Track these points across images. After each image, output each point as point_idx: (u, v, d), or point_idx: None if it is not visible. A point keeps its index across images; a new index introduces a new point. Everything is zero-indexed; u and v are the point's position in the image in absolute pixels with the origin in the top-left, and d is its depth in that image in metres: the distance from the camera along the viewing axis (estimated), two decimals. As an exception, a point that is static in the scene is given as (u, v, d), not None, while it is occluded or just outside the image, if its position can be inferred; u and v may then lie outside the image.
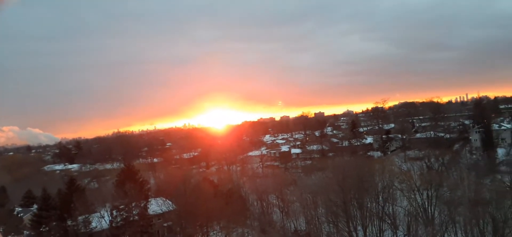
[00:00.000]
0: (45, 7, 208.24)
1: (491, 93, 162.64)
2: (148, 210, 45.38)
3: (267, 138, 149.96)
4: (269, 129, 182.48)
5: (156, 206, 48.64)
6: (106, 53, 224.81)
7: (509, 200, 38.29)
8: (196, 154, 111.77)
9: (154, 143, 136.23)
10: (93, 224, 44.77)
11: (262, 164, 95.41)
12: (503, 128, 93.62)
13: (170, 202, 48.48)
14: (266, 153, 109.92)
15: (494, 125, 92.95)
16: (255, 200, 55.66)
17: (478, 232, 35.21)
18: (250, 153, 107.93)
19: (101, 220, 44.86)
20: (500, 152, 76.77)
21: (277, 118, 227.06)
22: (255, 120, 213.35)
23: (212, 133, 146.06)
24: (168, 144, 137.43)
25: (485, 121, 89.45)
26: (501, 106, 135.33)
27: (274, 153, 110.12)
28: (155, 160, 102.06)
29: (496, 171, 58.38)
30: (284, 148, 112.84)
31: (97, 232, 44.49)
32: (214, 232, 45.50)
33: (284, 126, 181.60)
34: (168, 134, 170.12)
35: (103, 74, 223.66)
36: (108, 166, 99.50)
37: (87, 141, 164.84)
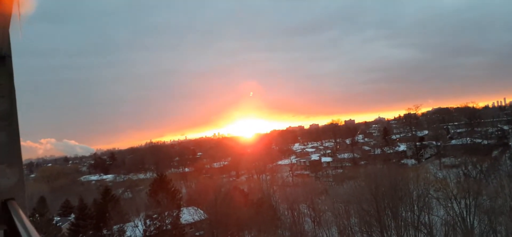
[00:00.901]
0: (75, 25, 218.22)
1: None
2: (180, 219, 46.00)
3: (297, 147, 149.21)
4: (298, 137, 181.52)
5: (188, 215, 49.23)
6: (136, 66, 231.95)
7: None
8: (226, 163, 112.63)
9: (185, 152, 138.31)
10: (128, 233, 45.78)
11: (292, 173, 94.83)
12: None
13: (202, 211, 48.96)
14: (295, 162, 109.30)
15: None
16: (286, 210, 55.27)
17: (521, 243, 33.54)
18: (280, 162, 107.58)
19: (135, 229, 45.85)
20: (544, 158, 72.97)
21: (306, 126, 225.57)
22: (284, 128, 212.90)
23: (241, 142, 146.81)
24: (198, 154, 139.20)
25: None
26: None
27: (304, 161, 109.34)
28: (186, 169, 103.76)
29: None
30: (314, 157, 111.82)
31: (132, 241, 45.48)
32: (246, 241, 45.55)
33: (313, 134, 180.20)
34: (198, 144, 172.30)
35: (136, 87, 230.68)
36: (141, 176, 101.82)
37: (121, 152, 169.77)
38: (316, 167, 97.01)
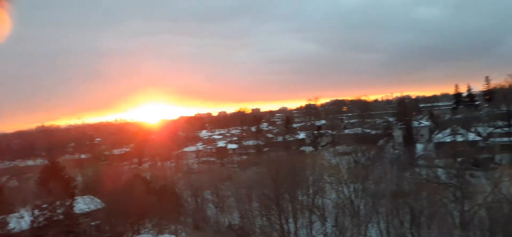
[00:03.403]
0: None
1: (413, 93, 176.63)
2: (74, 208, 42.82)
3: (204, 133, 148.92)
4: (206, 124, 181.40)
5: (83, 204, 46.02)
6: (26, 43, 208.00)
7: (425, 191, 41.71)
8: (128, 149, 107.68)
9: (82, 138, 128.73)
10: (11, 225, 41.22)
11: (198, 160, 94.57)
12: (422, 125, 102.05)
13: (99, 200, 46.30)
14: (202, 149, 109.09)
15: (414, 122, 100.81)
16: (190, 196, 55.00)
17: (398, 222, 37.96)
18: (186, 149, 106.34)
19: (20, 220, 41.46)
20: (419, 147, 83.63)
21: (215, 114, 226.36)
22: (192, 115, 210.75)
23: (145, 128, 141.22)
24: (97, 139, 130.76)
25: (407, 119, 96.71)
26: (421, 105, 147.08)
27: (211, 148, 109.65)
28: (83, 156, 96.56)
29: (415, 165, 63.27)
30: (221, 143, 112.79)
31: (16, 234, 40.99)
32: (146, 230, 44.22)
33: (221, 121, 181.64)
34: (97, 129, 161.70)
35: (24, 65, 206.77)
36: (30, 163, 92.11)
37: (6, 136, 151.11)
38: (222, 153, 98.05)
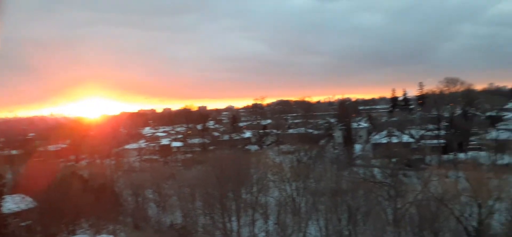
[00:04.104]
0: None
1: (353, 96, 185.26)
2: (2, 208, 39.79)
3: (147, 130, 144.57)
4: (150, 121, 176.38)
5: (12, 203, 42.96)
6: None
7: (362, 190, 43.81)
8: (64, 146, 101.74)
9: (13, 132, 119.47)
10: None
11: (140, 158, 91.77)
12: (360, 126, 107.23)
13: (30, 199, 43.42)
14: (145, 146, 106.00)
15: (354, 123, 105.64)
16: (130, 196, 53.27)
17: (336, 219, 39.45)
18: (127, 146, 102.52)
19: None
20: (357, 147, 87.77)
21: (159, 110, 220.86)
22: (135, 111, 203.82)
23: (84, 123, 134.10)
24: (30, 135, 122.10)
25: (347, 120, 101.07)
26: (360, 108, 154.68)
27: (154, 146, 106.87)
28: (13, 152, 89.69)
29: (353, 164, 66.30)
30: (165, 141, 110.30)
31: None
32: (82, 230, 42.20)
33: (166, 118, 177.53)
34: (31, 123, 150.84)
35: None
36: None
37: None
38: (166, 151, 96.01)
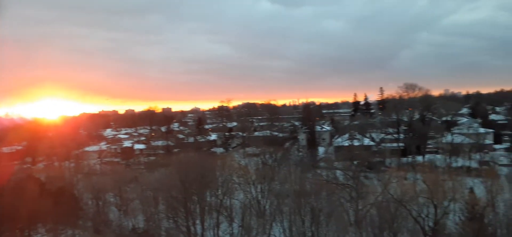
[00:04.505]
0: None
1: (317, 100, 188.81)
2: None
3: (109, 132, 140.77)
4: (111, 123, 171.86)
5: (-41, 209, 40.31)
6: None
7: (325, 191, 44.62)
8: (20, 148, 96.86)
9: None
10: None
11: (101, 160, 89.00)
12: (324, 129, 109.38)
13: (-19, 204, 40.85)
14: (106, 148, 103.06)
15: (318, 127, 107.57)
16: (90, 199, 51.44)
17: (300, 220, 39.92)
18: (87, 148, 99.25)
19: None
20: (321, 150, 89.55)
21: (121, 111, 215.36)
22: (96, 112, 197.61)
23: (42, 124, 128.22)
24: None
25: (311, 123, 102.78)
26: (324, 111, 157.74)
27: (115, 148, 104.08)
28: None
29: (317, 166, 67.47)
30: (127, 143, 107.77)
31: None
32: (39, 235, 40.32)
33: (128, 120, 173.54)
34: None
35: None
36: None
37: None
38: (128, 154, 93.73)
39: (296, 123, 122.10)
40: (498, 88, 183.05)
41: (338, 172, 58.85)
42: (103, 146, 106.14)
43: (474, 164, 67.13)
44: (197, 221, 41.22)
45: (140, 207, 47.05)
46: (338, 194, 46.20)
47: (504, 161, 66.73)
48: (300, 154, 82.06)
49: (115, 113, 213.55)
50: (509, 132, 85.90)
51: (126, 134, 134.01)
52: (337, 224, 38.06)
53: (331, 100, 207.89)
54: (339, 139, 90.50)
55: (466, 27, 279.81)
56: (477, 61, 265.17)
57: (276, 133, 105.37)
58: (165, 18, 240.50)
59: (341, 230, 37.76)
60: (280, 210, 42.34)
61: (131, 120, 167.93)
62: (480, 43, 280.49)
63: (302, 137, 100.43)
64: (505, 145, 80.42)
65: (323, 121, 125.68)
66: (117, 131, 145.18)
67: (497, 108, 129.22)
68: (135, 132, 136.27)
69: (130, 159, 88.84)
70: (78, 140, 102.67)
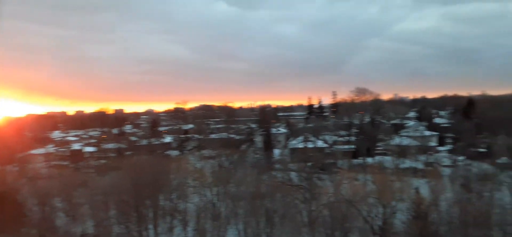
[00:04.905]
0: None
1: (273, 102, 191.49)
2: None
3: (56, 134, 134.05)
4: (60, 124, 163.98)
5: None
6: None
7: (279, 193, 45.28)
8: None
9: None
10: None
11: (48, 164, 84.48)
12: (279, 132, 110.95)
13: None
14: (53, 151, 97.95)
15: (273, 129, 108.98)
16: (36, 205, 48.66)
17: (255, 222, 40.23)
18: (33, 151, 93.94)
19: None
20: (276, 152, 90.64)
21: (71, 113, 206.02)
22: (43, 113, 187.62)
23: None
24: None
25: (267, 126, 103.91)
26: (280, 114, 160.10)
27: (64, 151, 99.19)
28: None
29: (272, 168, 68.20)
30: (76, 146, 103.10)
31: None
32: (-25, 246, 37.63)
33: (78, 121, 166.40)
34: None
35: None
36: None
37: None
38: (78, 157, 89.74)
39: (253, 126, 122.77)
40: (442, 94, 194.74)
41: (293, 174, 59.91)
42: (50, 148, 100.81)
43: (420, 165, 70.75)
44: (150, 226, 40.37)
45: (90, 212, 45.20)
46: (292, 195, 47.08)
47: (447, 162, 70.86)
48: (256, 156, 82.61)
49: (63, 114, 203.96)
50: (452, 135, 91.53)
51: (75, 136, 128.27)
52: (291, 225, 38.80)
53: (286, 103, 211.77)
54: (294, 141, 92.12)
55: (413, 35, 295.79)
56: (424, 67, 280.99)
57: (232, 135, 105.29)
58: (116, 16, 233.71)
59: (295, 231, 38.52)
60: (235, 213, 42.42)
61: (81, 121, 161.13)
62: (426, 50, 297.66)
63: (258, 139, 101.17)
64: (448, 147, 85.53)
65: (279, 124, 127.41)
66: (66, 133, 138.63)
67: (441, 113, 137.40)
68: (85, 134, 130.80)
69: (80, 162, 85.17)
70: (23, 142, 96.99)
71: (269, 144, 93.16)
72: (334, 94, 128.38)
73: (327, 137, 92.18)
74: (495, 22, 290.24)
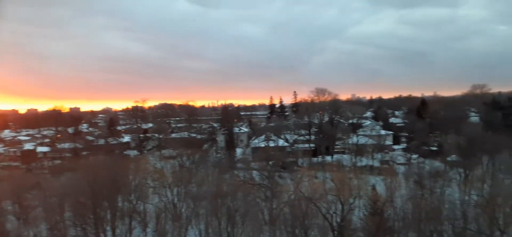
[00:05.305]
0: None
1: (236, 102, 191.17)
2: None
3: (7, 134, 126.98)
4: (10, 123, 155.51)
5: None
6: None
7: (241, 192, 45.45)
8: None
9: None
10: None
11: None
12: (242, 131, 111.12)
13: None
14: (3, 152, 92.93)
15: (236, 128, 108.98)
16: (-17, 208, 45.93)
17: (216, 222, 40.16)
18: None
19: None
20: (239, 151, 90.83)
21: (22, 111, 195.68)
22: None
23: None
24: None
25: (229, 125, 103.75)
26: (242, 113, 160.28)
27: (15, 151, 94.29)
28: None
29: (234, 167, 68.31)
30: (29, 146, 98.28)
31: None
32: None
33: (30, 120, 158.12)
34: None
35: None
36: None
37: None
38: (30, 157, 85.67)
39: (215, 125, 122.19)
40: (397, 94, 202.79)
41: (255, 172, 60.35)
42: (0, 148, 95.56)
43: (376, 163, 73.47)
44: (108, 228, 39.30)
45: (43, 215, 43.25)
46: (254, 194, 47.47)
47: (402, 160, 74.01)
48: (218, 155, 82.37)
49: (14, 112, 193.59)
50: (406, 134, 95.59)
51: (27, 135, 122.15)
52: (253, 224, 39.05)
53: (249, 103, 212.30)
54: (256, 140, 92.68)
55: (370, 37, 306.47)
56: (380, 68, 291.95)
57: (194, 135, 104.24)
58: (71, 11, 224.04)
59: (256, 229, 38.82)
60: (196, 213, 42.13)
61: (34, 120, 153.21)
62: (382, 52, 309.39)
63: (220, 139, 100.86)
64: (402, 146, 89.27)
65: (241, 123, 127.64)
66: (17, 132, 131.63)
67: (396, 112, 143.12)
68: (38, 134, 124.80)
69: (32, 163, 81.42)
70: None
71: (231, 143, 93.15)
72: (295, 94, 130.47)
73: (288, 136, 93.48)
74: (446, 27, 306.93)
